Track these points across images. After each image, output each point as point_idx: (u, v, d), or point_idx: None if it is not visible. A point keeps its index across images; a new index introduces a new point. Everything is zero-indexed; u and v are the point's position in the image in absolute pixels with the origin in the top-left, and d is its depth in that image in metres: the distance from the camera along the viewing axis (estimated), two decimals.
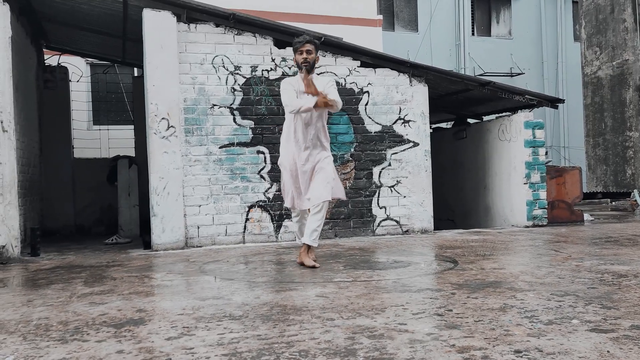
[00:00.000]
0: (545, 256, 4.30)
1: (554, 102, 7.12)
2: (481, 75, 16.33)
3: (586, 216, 7.44)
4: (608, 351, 1.95)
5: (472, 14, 17.32)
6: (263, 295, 3.13)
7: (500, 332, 2.22)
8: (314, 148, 4.16)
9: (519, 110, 7.13)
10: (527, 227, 6.66)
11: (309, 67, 4.07)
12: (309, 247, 4.12)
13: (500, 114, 7.54)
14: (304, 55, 4.06)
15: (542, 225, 6.69)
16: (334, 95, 4.07)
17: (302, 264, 4.09)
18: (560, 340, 2.10)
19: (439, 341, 2.14)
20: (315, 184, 4.10)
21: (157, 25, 5.43)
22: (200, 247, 5.59)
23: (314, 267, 3.99)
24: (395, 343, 2.13)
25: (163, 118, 5.45)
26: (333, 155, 5.96)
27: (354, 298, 2.96)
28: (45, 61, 8.47)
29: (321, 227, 4.12)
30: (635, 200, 9.22)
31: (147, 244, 5.68)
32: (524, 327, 2.29)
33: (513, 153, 6.87)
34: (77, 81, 8.76)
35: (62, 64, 8.41)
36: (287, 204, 4.36)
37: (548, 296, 2.84)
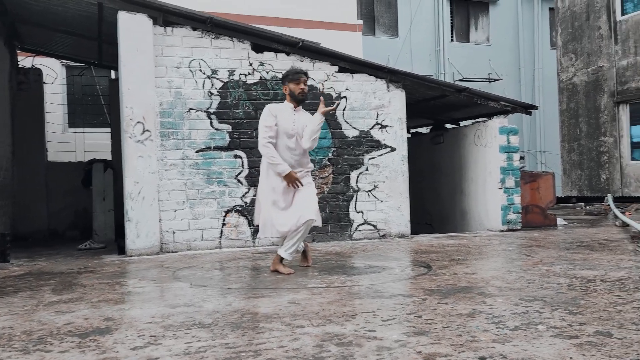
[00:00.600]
0: (517, 261, 4.36)
1: (528, 109, 7.24)
2: (460, 80, 16.53)
3: (559, 220, 7.57)
4: (571, 358, 1.98)
5: (451, 20, 17.53)
6: (235, 302, 3.10)
7: (466, 338, 2.24)
8: (297, 172, 4.12)
9: (495, 116, 7.22)
10: (502, 231, 6.74)
11: (304, 97, 4.19)
12: (282, 258, 4.10)
13: (477, 120, 7.63)
14: (302, 85, 4.13)
15: (517, 230, 6.79)
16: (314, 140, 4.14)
17: (276, 272, 4.08)
18: (525, 346, 2.12)
19: (406, 348, 2.15)
20: (299, 205, 4.05)
21: (133, 28, 5.37)
22: (175, 252, 5.53)
23: (289, 274, 3.98)
24: (363, 350, 2.13)
25: (138, 122, 5.39)
26: (311, 160, 6.01)
27: (325, 304, 2.96)
28: (19, 63, 8.32)
29: (299, 243, 4.08)
30: (609, 205, 9.41)
31: (121, 249, 5.60)
32: (490, 332, 2.32)
33: (488, 158, 6.96)
34: (52, 83, 8.62)
35: (37, 66, 8.27)
36: (264, 233, 4.20)
37: (516, 301, 2.88)
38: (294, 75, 4.16)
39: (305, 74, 4.23)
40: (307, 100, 4.34)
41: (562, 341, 2.17)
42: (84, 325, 2.67)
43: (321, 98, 4.28)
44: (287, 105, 4.18)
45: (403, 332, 2.38)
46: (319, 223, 4.27)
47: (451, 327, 2.42)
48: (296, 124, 4.12)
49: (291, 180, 4.04)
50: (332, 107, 4.33)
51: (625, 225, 6.65)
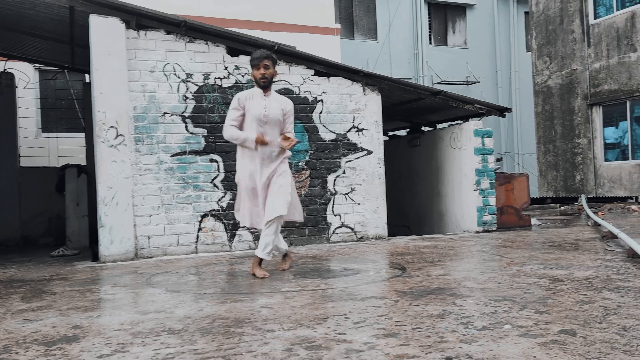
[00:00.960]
0: (490, 261, 4.42)
1: (502, 111, 7.35)
2: (439, 83, 16.72)
3: (534, 221, 7.69)
4: (534, 356, 2.01)
5: (429, 23, 17.72)
6: (207, 307, 3.08)
7: (434, 339, 2.26)
8: (271, 162, 4.08)
9: (470, 119, 7.32)
10: (478, 232, 6.83)
11: (267, 83, 4.06)
12: (261, 259, 4.09)
13: (453, 122, 7.72)
14: (262, 70, 4.03)
15: (492, 231, 6.88)
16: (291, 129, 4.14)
17: (254, 275, 4.07)
18: (491, 345, 2.15)
19: (375, 350, 2.16)
20: (271, 197, 4.03)
21: (105, 32, 5.31)
22: (150, 257, 5.47)
23: (264, 277, 3.97)
24: (332, 354, 2.13)
25: (111, 126, 5.32)
26: (288, 163, 6.00)
27: (298, 308, 2.95)
28: None
29: (274, 240, 4.06)
30: (582, 205, 9.59)
31: (95, 256, 5.52)
32: (458, 333, 2.34)
33: (464, 160, 7.04)
34: (25, 87, 8.46)
35: (8, 70, 8.11)
36: (245, 222, 4.23)
37: (486, 302, 2.91)
38: (253, 61, 4.07)
39: (268, 56, 4.05)
40: (270, 85, 4.14)
41: (527, 340, 2.21)
42: (51, 333, 2.63)
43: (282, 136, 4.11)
44: (257, 90, 4.11)
45: (373, 334, 2.39)
46: (298, 217, 4.22)
47: (420, 329, 2.44)
48: (268, 110, 4.04)
49: (262, 142, 3.98)
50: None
51: (597, 225, 6.79)
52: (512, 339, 2.23)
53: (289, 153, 4.23)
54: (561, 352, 2.04)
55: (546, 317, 2.55)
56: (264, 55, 4.07)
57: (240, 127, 4.10)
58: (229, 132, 4.08)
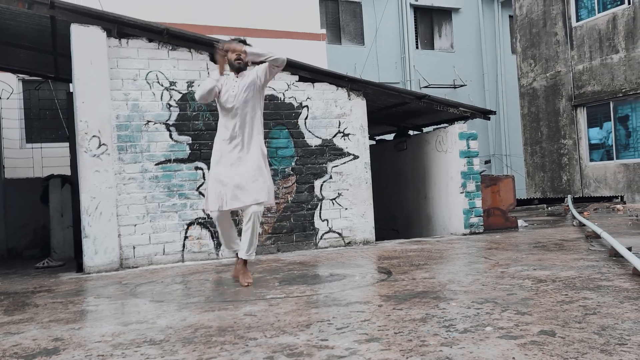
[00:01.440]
0: (475, 264, 4.44)
1: (486, 114, 7.40)
2: (426, 87, 16.82)
3: (520, 222, 7.74)
4: (513, 357, 2.02)
5: (415, 28, 17.84)
6: (190, 316, 3.06)
7: (416, 343, 2.27)
8: (245, 145, 3.97)
9: (455, 122, 7.36)
10: (465, 234, 6.86)
11: (241, 64, 4.03)
12: (245, 261, 4.04)
13: (439, 126, 7.77)
14: (236, 54, 3.99)
15: (479, 233, 6.91)
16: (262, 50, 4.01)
17: (237, 279, 4.02)
18: (471, 348, 2.16)
19: (357, 355, 2.16)
20: (247, 182, 3.87)
21: (86, 41, 5.29)
22: (136, 267, 5.43)
23: (248, 285, 3.93)
24: None
25: (94, 136, 5.29)
26: (273, 170, 6.00)
27: (282, 315, 2.95)
28: None
29: (257, 238, 3.98)
30: (568, 205, 9.67)
31: (80, 267, 5.47)
32: (439, 336, 2.35)
33: (449, 163, 7.08)
34: (8, 98, 8.39)
35: None
36: (210, 206, 4.03)
37: (469, 304, 2.92)
38: (227, 44, 4.04)
39: (241, 40, 4.05)
40: (245, 68, 4.09)
41: (507, 342, 2.22)
42: (32, 346, 2.60)
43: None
44: (231, 74, 4.11)
45: (355, 339, 2.39)
46: (270, 202, 3.99)
47: (402, 333, 2.44)
48: (235, 88, 3.99)
49: (223, 51, 3.96)
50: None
51: (582, 225, 6.85)
52: (492, 340, 2.24)
53: (261, 140, 4.08)
54: (540, 353, 2.05)
55: (527, 318, 2.56)
56: (237, 39, 4.09)
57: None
58: (201, 84, 4.06)
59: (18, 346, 2.61)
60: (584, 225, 6.58)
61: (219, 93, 4.07)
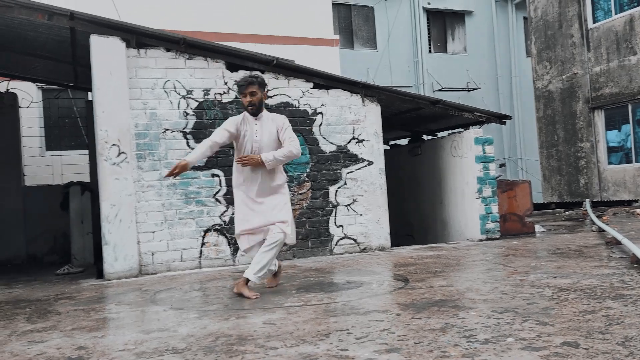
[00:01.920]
0: (493, 271, 4.41)
1: (502, 119, 7.36)
2: (439, 90, 16.76)
3: (538, 227, 7.66)
4: None
5: (428, 31, 17.79)
6: (210, 324, 3.09)
7: (437, 354, 2.26)
8: (266, 190, 3.97)
9: (470, 127, 7.33)
10: (481, 240, 6.81)
11: (255, 110, 3.98)
12: (248, 280, 3.88)
13: (453, 131, 7.74)
14: (248, 98, 3.95)
15: (495, 239, 6.86)
16: (286, 146, 3.97)
17: (240, 294, 3.87)
18: (493, 359, 2.15)
19: None
20: (278, 216, 3.91)
21: (106, 51, 5.37)
22: (155, 274, 5.49)
23: (256, 297, 3.79)
24: None
25: (114, 144, 5.37)
26: (289, 176, 6.02)
27: (300, 324, 2.96)
28: None
29: (269, 266, 3.90)
30: (587, 210, 9.55)
31: (100, 273, 5.54)
32: (460, 347, 2.34)
33: (465, 168, 7.05)
34: (28, 107, 8.54)
35: (12, 90, 8.20)
36: (242, 246, 4.08)
37: (488, 313, 2.91)
38: (240, 89, 4.01)
39: (252, 82, 3.94)
40: (269, 110, 4.14)
41: (530, 353, 2.20)
42: (56, 355, 2.64)
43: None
44: (248, 116, 4.04)
45: (375, 349, 2.39)
46: (291, 240, 4.04)
47: (423, 343, 2.44)
48: (259, 135, 3.98)
49: (181, 168, 3.85)
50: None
51: (601, 230, 6.76)
52: (514, 352, 2.23)
53: (282, 178, 4.10)
54: None
55: (549, 329, 2.54)
56: (248, 81, 3.96)
57: (239, 150, 4.05)
58: (212, 136, 3.98)
59: (43, 355, 2.66)
60: (604, 230, 6.50)
61: (237, 136, 4.02)
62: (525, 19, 18.17)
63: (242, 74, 5.96)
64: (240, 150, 4.04)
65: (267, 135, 4.00)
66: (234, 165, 4.12)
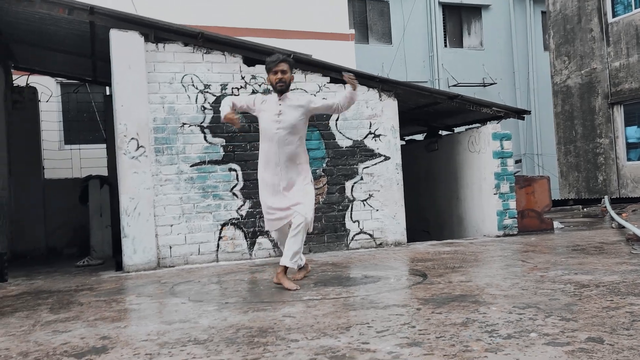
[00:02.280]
0: (512, 267, 4.37)
1: (520, 114, 7.28)
2: (455, 85, 16.62)
3: (556, 224, 7.58)
4: None
5: (444, 26, 17.64)
6: (230, 317, 3.11)
7: (459, 348, 2.26)
8: (289, 171, 3.96)
9: (488, 122, 7.26)
10: (498, 236, 6.76)
11: (284, 88, 3.92)
12: (286, 268, 3.94)
13: (471, 126, 7.68)
14: (279, 75, 3.87)
15: (513, 235, 6.80)
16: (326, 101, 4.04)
17: (278, 284, 3.95)
18: (517, 355, 2.13)
19: None
20: (298, 199, 3.91)
21: (125, 46, 5.42)
22: (172, 267, 5.54)
23: (296, 289, 3.79)
24: None
25: (132, 138, 5.42)
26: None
27: (320, 317, 2.97)
28: (14, 82, 8.36)
29: (302, 249, 3.95)
30: (606, 207, 9.43)
31: (119, 265, 5.61)
32: (483, 342, 2.33)
33: (482, 164, 6.99)
34: (47, 101, 8.65)
35: (31, 84, 8.31)
36: (267, 226, 4.17)
37: (510, 309, 2.89)
38: (269, 65, 3.92)
39: (284, 60, 3.89)
40: (287, 89, 3.99)
41: (554, 349, 2.18)
42: (80, 344, 2.68)
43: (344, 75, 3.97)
44: (273, 96, 4.01)
45: (396, 343, 2.39)
46: (310, 228, 4.00)
47: (444, 337, 2.43)
48: (282, 115, 3.91)
49: (231, 121, 3.89)
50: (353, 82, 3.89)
51: (621, 227, 6.67)
52: (538, 347, 2.21)
53: (305, 159, 4.07)
54: None
55: (572, 325, 2.52)
56: (280, 58, 3.90)
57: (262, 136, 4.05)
58: (224, 101, 4.00)
59: (67, 344, 2.70)
60: (624, 227, 6.41)
61: (253, 110, 4.06)
62: (543, 12, 17.92)
63: (259, 68, 5.99)
64: (264, 132, 4.01)
65: (293, 116, 3.94)
66: (260, 150, 4.11)
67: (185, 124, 5.72)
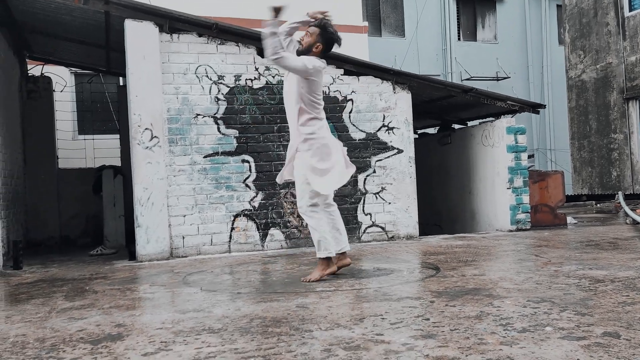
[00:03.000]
0: (525, 261, 4.35)
1: (535, 108, 7.21)
2: (468, 79, 16.48)
3: (569, 219, 7.52)
4: (578, 359, 1.98)
5: (457, 19, 17.48)
6: (244, 307, 3.13)
7: (474, 341, 2.25)
8: (293, 137, 3.87)
9: (502, 116, 7.20)
10: (511, 231, 6.72)
11: (300, 48, 3.83)
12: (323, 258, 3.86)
13: (484, 120, 7.62)
14: (302, 36, 3.90)
15: (526, 230, 6.76)
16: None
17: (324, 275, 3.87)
18: (532, 348, 2.12)
19: (414, 351, 2.16)
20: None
21: (139, 36, 5.43)
22: (185, 257, 5.58)
23: (333, 272, 3.86)
24: (371, 354, 2.14)
25: (146, 128, 5.45)
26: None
27: (334, 308, 2.97)
28: (29, 71, 8.43)
29: (323, 238, 3.82)
30: (620, 203, 9.33)
31: (132, 255, 5.66)
32: (497, 335, 2.32)
33: (496, 158, 6.94)
34: (61, 91, 8.71)
35: (46, 74, 8.37)
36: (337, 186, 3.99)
37: (524, 303, 2.88)
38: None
39: (317, 25, 3.87)
40: (305, 54, 3.88)
41: (570, 343, 2.17)
42: (96, 331, 2.71)
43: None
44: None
45: (411, 335, 2.39)
46: (324, 189, 3.79)
47: (459, 330, 2.42)
48: (286, 85, 3.91)
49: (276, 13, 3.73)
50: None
51: (636, 223, 6.60)
52: (554, 341, 2.20)
53: (307, 130, 3.80)
54: (605, 355, 2.00)
55: (588, 319, 2.50)
56: (311, 22, 3.91)
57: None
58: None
59: (83, 331, 2.73)
60: (638, 223, 6.34)
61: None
62: (558, 6, 17.68)
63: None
64: (320, 99, 3.92)
65: (289, 86, 3.87)
66: (316, 120, 3.89)
67: (199, 114, 5.73)
